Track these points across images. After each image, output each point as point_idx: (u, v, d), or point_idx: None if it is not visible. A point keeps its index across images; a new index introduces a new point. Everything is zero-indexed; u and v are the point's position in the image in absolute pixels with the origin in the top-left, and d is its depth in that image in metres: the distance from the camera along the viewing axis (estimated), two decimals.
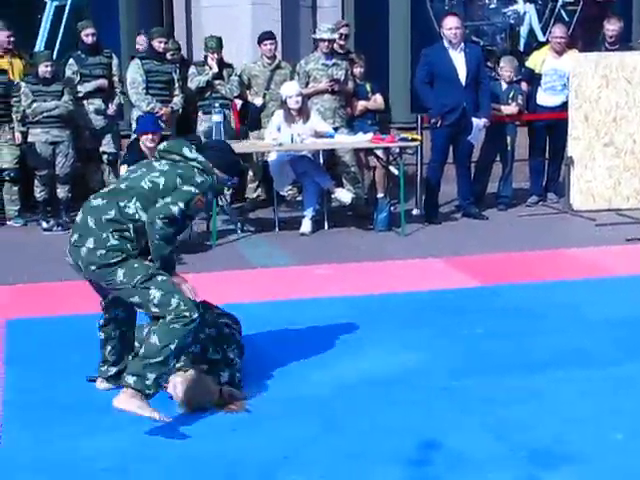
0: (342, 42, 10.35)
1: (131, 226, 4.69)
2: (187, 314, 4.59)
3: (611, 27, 10.44)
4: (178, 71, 9.95)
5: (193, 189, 4.72)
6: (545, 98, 10.29)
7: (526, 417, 4.72)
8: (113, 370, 5.09)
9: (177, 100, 9.86)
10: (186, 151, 4.88)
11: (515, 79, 10.24)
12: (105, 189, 5.16)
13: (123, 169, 8.24)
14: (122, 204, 4.70)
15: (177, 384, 4.84)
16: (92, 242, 4.66)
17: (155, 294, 4.61)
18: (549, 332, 6.05)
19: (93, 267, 4.69)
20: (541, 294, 6.94)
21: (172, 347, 4.54)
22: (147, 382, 4.51)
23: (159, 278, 4.66)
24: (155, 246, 4.68)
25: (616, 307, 6.57)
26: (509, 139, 10.21)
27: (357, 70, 10.12)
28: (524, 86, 10.32)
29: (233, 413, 4.83)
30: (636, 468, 4.16)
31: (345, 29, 10.47)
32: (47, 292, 7.20)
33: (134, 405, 4.51)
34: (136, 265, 4.65)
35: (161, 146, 5.03)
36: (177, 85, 9.87)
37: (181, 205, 4.66)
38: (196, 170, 4.80)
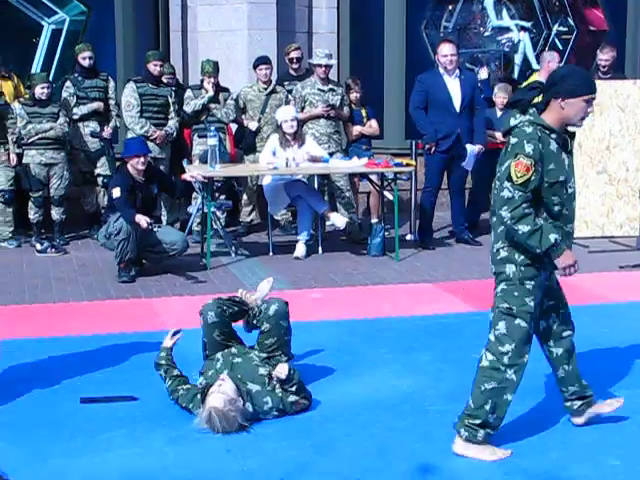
0: (295, 66, 10.49)
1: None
2: (513, 363, 4.42)
3: (604, 56, 10.53)
4: (174, 94, 9.98)
5: (509, 160, 4.34)
6: None
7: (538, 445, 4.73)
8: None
9: (172, 123, 9.87)
10: (511, 121, 4.44)
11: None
12: None
13: (115, 192, 8.17)
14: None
15: (213, 413, 4.78)
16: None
17: (500, 328, 4.43)
18: None
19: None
20: None
21: (487, 408, 4.45)
22: (479, 437, 4.49)
23: (516, 321, 4.42)
24: (528, 245, 4.39)
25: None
26: None
27: (353, 95, 10.16)
28: None
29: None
30: None
31: (296, 52, 10.46)
32: (40, 313, 7.17)
33: (475, 453, 4.50)
34: (516, 294, 4.41)
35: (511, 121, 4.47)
36: (172, 108, 9.89)
37: (507, 184, 4.33)
38: (517, 137, 4.36)
